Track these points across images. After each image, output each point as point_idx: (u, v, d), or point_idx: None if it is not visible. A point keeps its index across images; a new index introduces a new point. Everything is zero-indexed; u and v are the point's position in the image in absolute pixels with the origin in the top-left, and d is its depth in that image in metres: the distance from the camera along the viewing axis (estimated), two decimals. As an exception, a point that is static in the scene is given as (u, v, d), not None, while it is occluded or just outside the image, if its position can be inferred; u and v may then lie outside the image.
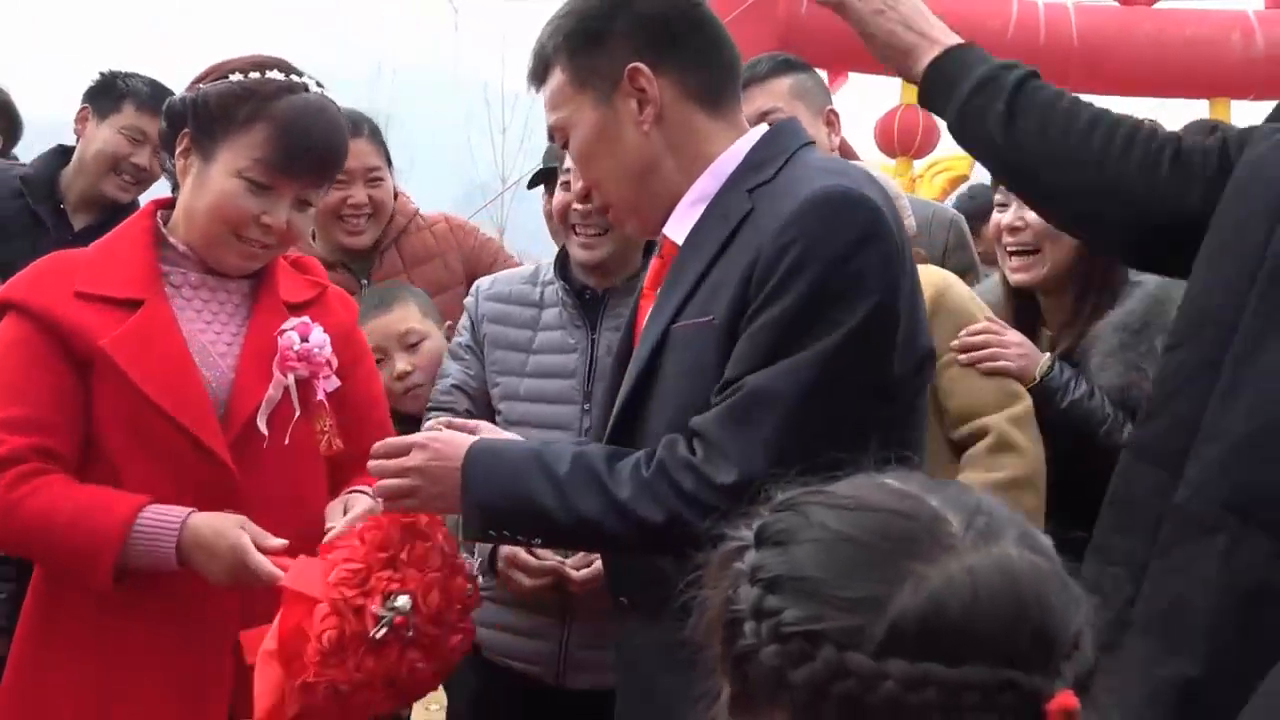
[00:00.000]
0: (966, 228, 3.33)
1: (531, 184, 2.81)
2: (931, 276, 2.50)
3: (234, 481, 1.97)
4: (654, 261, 1.88)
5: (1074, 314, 2.45)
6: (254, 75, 1.98)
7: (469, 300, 2.64)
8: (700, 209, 1.76)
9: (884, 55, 2.01)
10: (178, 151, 2.03)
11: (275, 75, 1.99)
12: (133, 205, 3.38)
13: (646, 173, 1.78)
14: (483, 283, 2.66)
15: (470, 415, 2.43)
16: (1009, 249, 2.47)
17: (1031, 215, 2.39)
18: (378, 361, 2.51)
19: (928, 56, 1.97)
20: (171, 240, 2.06)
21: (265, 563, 1.84)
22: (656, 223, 1.81)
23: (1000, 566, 0.79)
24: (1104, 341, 2.38)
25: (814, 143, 1.82)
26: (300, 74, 2.03)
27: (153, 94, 3.28)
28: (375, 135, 3.12)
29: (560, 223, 2.53)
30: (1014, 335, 2.44)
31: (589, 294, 2.52)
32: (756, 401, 1.60)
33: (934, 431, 2.34)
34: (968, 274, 3.00)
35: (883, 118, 9.25)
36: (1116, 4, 9.01)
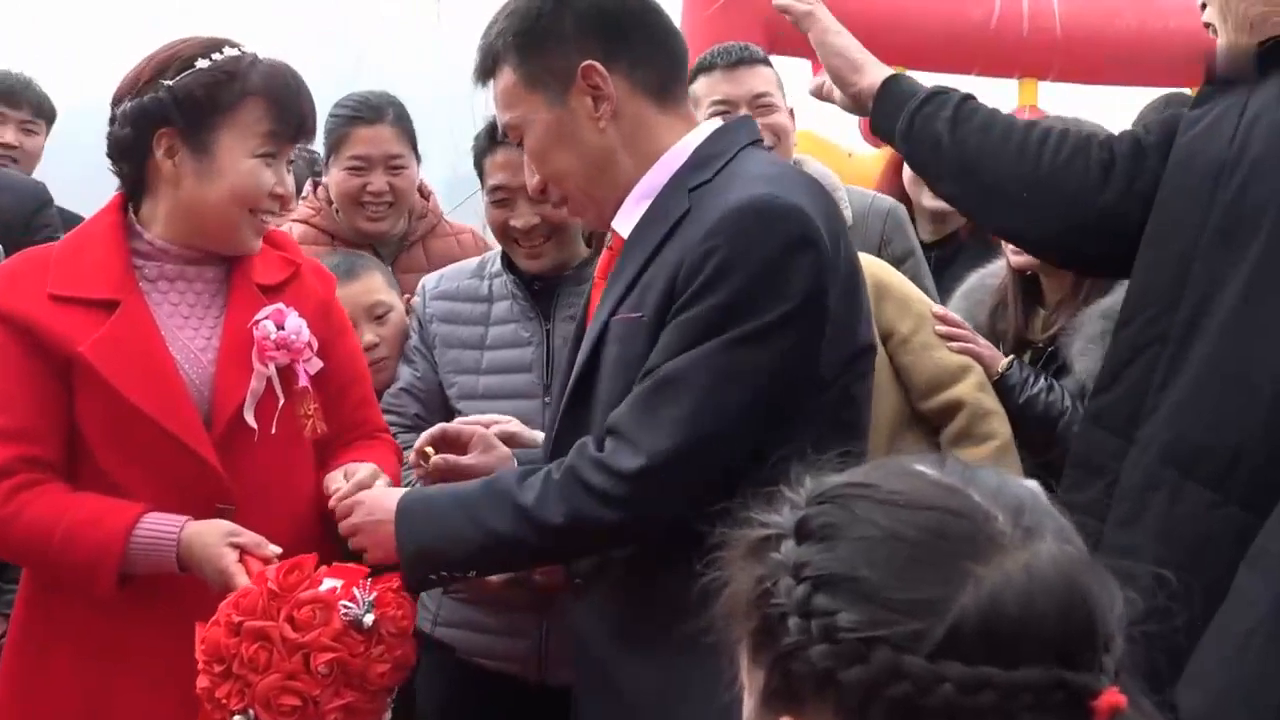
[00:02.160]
0: (905, 216, 3.36)
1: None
2: (868, 267, 2.53)
3: (222, 481, 1.96)
4: (605, 253, 1.90)
5: (1071, 295, 2.46)
6: (218, 57, 1.96)
7: (416, 300, 2.59)
8: (646, 204, 1.79)
9: (833, 65, 2.20)
10: (158, 153, 1.97)
11: (233, 51, 1.98)
12: (28, 184, 3.42)
13: (603, 168, 1.80)
14: (429, 281, 2.61)
15: (420, 419, 2.43)
16: None
17: None
18: None
19: (878, 73, 2.16)
20: (147, 235, 2.03)
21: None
22: (609, 212, 1.84)
23: (1052, 563, 0.78)
24: (1087, 328, 2.41)
25: (760, 141, 1.84)
26: (241, 44, 2.02)
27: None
28: (400, 121, 3.06)
29: (501, 237, 2.51)
30: (981, 338, 2.51)
31: (539, 285, 2.51)
32: (665, 386, 1.64)
33: (898, 404, 2.41)
34: (908, 259, 3.03)
35: (867, 108, 9.26)
36: (1099, -6, 9.02)
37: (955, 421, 2.40)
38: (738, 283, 1.63)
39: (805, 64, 9.60)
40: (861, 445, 1.79)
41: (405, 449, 2.25)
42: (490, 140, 2.47)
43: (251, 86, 1.97)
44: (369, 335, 2.66)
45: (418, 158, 3.13)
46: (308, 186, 3.40)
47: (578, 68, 1.77)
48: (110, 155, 2.03)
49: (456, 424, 2.10)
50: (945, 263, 3.17)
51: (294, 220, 3.09)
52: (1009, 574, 0.76)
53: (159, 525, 1.90)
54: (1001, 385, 2.43)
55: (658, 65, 1.82)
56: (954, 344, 2.44)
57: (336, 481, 2.01)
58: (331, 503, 1.95)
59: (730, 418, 1.63)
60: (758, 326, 1.63)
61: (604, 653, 1.82)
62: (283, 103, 1.99)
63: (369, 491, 1.91)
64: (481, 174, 2.51)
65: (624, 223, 1.81)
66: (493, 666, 2.44)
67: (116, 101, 2.00)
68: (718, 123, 1.84)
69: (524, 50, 1.80)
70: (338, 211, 3.09)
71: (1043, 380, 2.43)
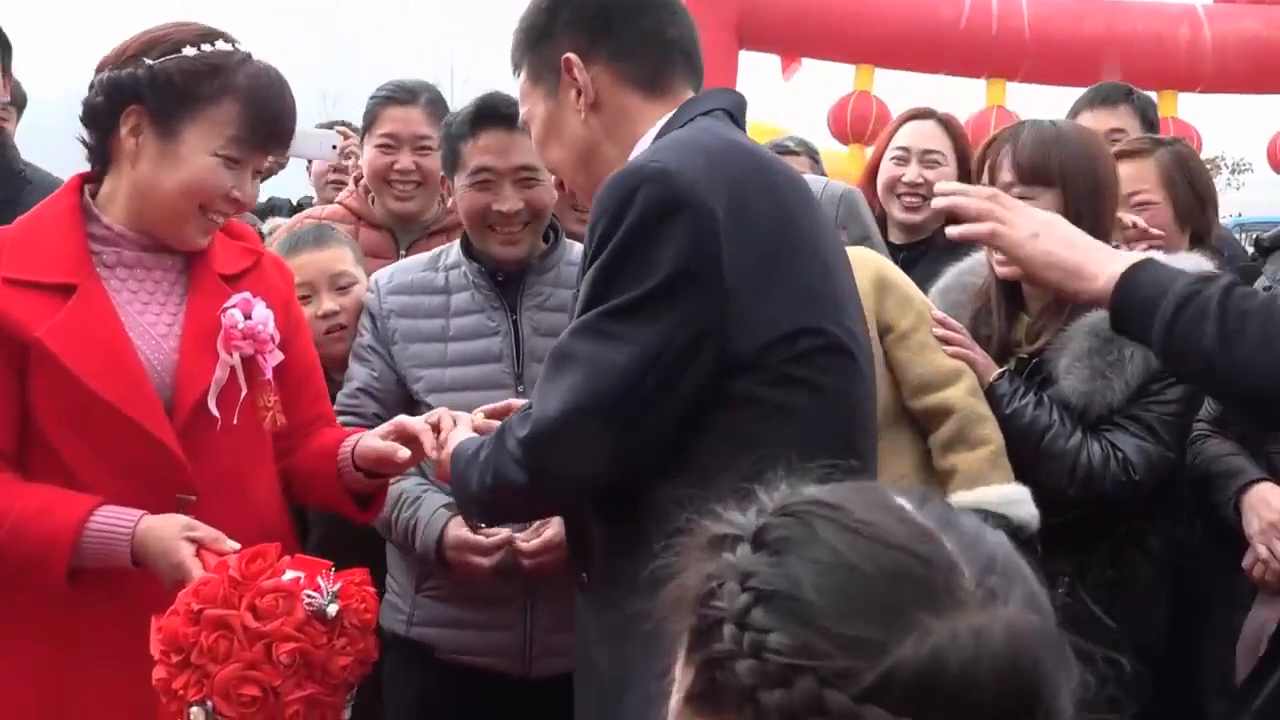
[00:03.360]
0: (860, 200, 3.37)
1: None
2: (862, 257, 2.55)
3: (184, 470, 1.93)
4: None
5: (1056, 307, 2.46)
6: (207, 48, 1.93)
7: (369, 297, 2.55)
8: None
9: (1046, 279, 1.89)
10: (124, 129, 1.94)
11: (225, 46, 1.95)
12: (3, 146, 3.27)
13: (587, 158, 1.88)
14: (380, 276, 2.58)
15: (378, 418, 2.40)
16: None
17: None
18: (303, 299, 2.52)
19: (1103, 274, 1.81)
20: (104, 220, 1.99)
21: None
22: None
23: (1006, 631, 0.74)
24: (1075, 344, 2.41)
25: (717, 110, 1.84)
26: (237, 40, 1.99)
27: None
28: (432, 105, 3.15)
29: (477, 223, 2.48)
30: (977, 346, 2.51)
31: (501, 275, 2.50)
32: (555, 359, 1.74)
33: (888, 399, 2.40)
34: (863, 244, 3.04)
35: (836, 104, 9.29)
36: (1068, -5, 9.08)
37: (947, 425, 2.40)
38: (610, 253, 1.68)
39: (774, 60, 9.65)
40: (827, 440, 1.74)
41: None
42: (472, 124, 2.45)
43: (231, 86, 1.93)
44: (329, 303, 2.65)
45: None
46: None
47: (557, 62, 1.85)
48: (82, 121, 2.01)
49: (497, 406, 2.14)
50: (912, 262, 3.18)
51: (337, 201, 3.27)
52: (958, 633, 0.73)
53: (113, 519, 1.87)
54: (990, 394, 2.44)
55: (645, 56, 1.86)
56: (950, 348, 2.45)
57: (381, 441, 2.09)
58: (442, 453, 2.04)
59: (608, 387, 1.66)
60: (631, 298, 1.66)
61: (588, 638, 1.87)
62: (257, 110, 1.95)
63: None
64: (457, 159, 2.47)
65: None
66: (474, 663, 2.42)
67: (99, 69, 1.97)
68: (687, 99, 1.87)
69: (527, 47, 1.91)
70: (372, 199, 3.19)
71: (1031, 394, 2.43)
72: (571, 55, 1.84)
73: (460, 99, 2.95)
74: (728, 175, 1.69)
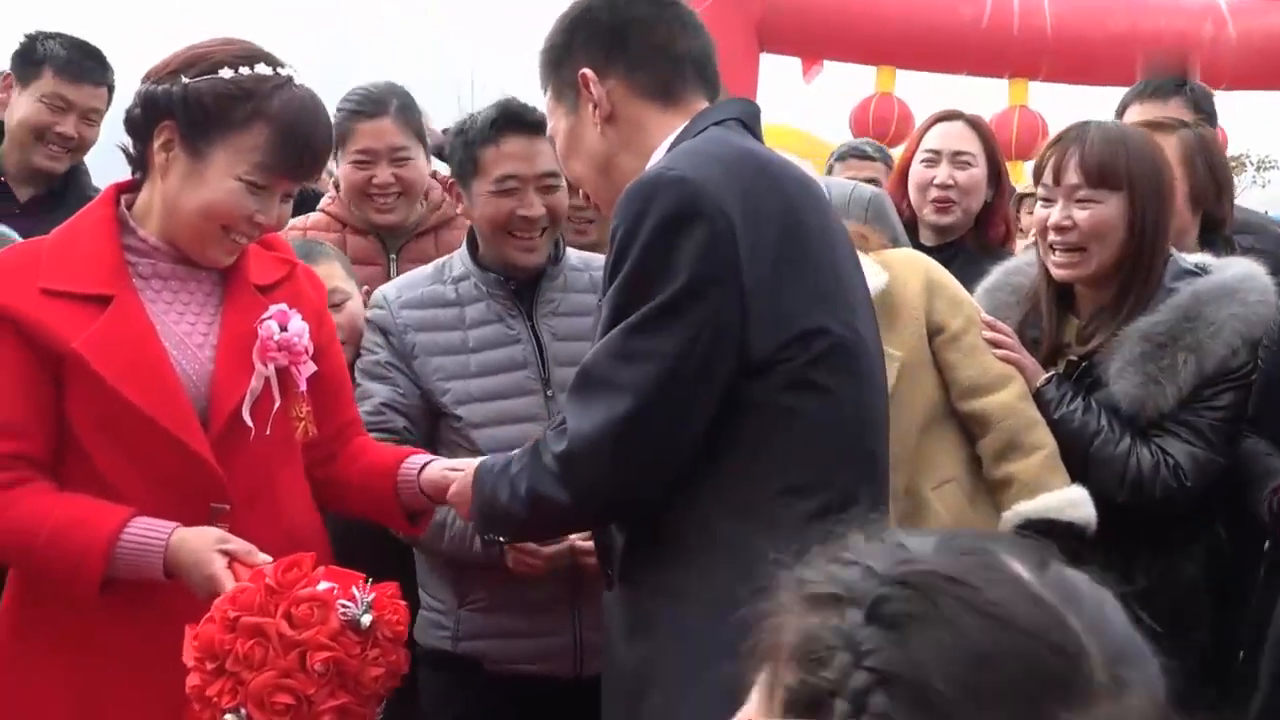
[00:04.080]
0: (887, 204, 3.37)
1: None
2: (911, 259, 2.55)
3: (219, 480, 1.94)
4: None
5: (1112, 308, 2.44)
6: (245, 71, 1.92)
7: (379, 314, 2.53)
8: None
9: None
10: (156, 143, 1.96)
11: (264, 70, 1.94)
12: (77, 173, 3.29)
13: (605, 169, 1.93)
14: (388, 292, 2.56)
15: (408, 432, 2.42)
16: (1054, 245, 2.46)
17: (1079, 213, 2.41)
18: None
19: None
20: (140, 232, 2.01)
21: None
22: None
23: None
24: (1126, 349, 2.39)
25: (730, 120, 1.86)
26: (281, 64, 1.98)
27: (70, 58, 3.17)
28: (403, 113, 3.05)
29: (498, 229, 2.47)
30: (1025, 350, 2.50)
31: (513, 283, 2.51)
32: (584, 374, 1.76)
33: (935, 398, 2.43)
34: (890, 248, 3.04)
35: (857, 105, 9.27)
36: (1090, -6, 9.04)
37: (998, 431, 2.40)
38: (630, 262, 1.71)
39: (795, 62, 9.63)
40: (838, 443, 1.77)
41: None
42: (494, 130, 2.44)
43: (262, 111, 1.92)
44: None
45: (425, 147, 3.14)
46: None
47: (575, 78, 1.91)
48: (125, 129, 2.03)
49: None
50: (943, 265, 3.18)
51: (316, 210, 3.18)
52: None
53: (147, 530, 1.87)
54: (1038, 399, 2.43)
55: (658, 68, 1.90)
56: (999, 351, 2.44)
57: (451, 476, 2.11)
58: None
59: (638, 402, 1.69)
60: (651, 309, 1.69)
61: (613, 637, 1.91)
62: (286, 138, 1.94)
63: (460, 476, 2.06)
64: (476, 165, 2.46)
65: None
66: (526, 670, 2.42)
67: (144, 79, 1.98)
68: (702, 109, 1.90)
69: (549, 66, 1.97)
70: (353, 206, 3.12)
71: (1080, 399, 2.41)
72: (587, 70, 1.89)
73: (481, 104, 2.94)
74: (740, 181, 1.72)
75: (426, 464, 2.16)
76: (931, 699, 0.69)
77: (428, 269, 2.61)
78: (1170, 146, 2.79)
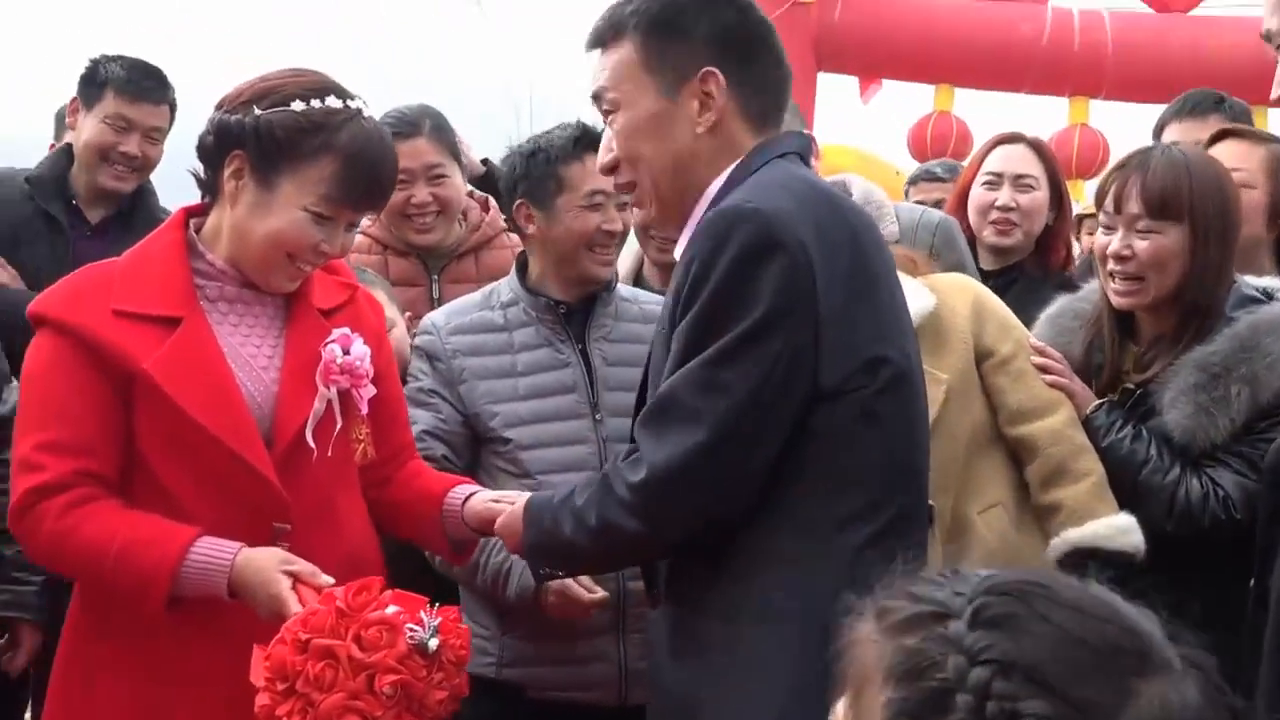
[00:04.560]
0: (955, 229, 3.35)
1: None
2: (959, 282, 2.54)
3: (282, 500, 1.97)
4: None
5: (1172, 335, 2.42)
6: (315, 104, 1.97)
7: (427, 339, 2.56)
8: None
9: None
10: (227, 171, 2.00)
11: (334, 103, 1.98)
12: (144, 194, 3.36)
13: (684, 171, 1.84)
14: (436, 319, 2.60)
15: (448, 460, 2.44)
16: (1114, 274, 2.45)
17: (1139, 243, 2.38)
18: None
19: None
20: (208, 256, 2.05)
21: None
22: (673, 217, 1.89)
23: (1196, 687, 0.85)
24: (1181, 378, 2.36)
25: (791, 155, 1.86)
26: (352, 95, 2.02)
27: (129, 78, 3.24)
28: (437, 133, 3.11)
29: (581, 244, 2.52)
30: (1075, 376, 2.48)
31: (562, 308, 2.54)
32: (661, 402, 1.76)
33: (983, 421, 2.42)
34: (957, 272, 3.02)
35: (916, 124, 9.24)
36: (1151, 11, 8.95)
37: (1045, 457, 2.38)
38: (708, 294, 1.71)
39: (853, 81, 9.61)
40: (893, 466, 1.79)
41: None
42: (576, 148, 2.50)
43: (331, 144, 1.96)
44: None
45: (460, 166, 3.18)
46: None
47: (699, 70, 1.81)
48: (197, 154, 2.08)
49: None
50: (1002, 290, 3.16)
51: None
52: (1169, 693, 0.83)
53: (213, 550, 1.90)
54: (1087, 425, 2.41)
55: (766, 95, 1.87)
56: (1048, 377, 2.43)
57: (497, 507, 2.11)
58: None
59: (718, 432, 1.70)
60: (730, 340, 1.70)
61: (659, 659, 1.90)
62: (353, 171, 1.97)
63: (508, 509, 2.04)
64: (560, 182, 2.51)
65: (679, 247, 1.87)
66: (569, 698, 2.43)
67: (217, 106, 2.03)
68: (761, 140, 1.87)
69: (654, 34, 1.83)
70: (392, 227, 3.16)
71: (1129, 427, 2.39)
72: (716, 72, 1.81)
73: (539, 116, 2.99)
74: (813, 212, 1.73)
75: (471, 494, 2.17)
76: (1045, 678, 0.81)
77: (475, 296, 2.65)
78: (1258, 156, 2.76)
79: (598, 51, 1.89)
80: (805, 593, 1.69)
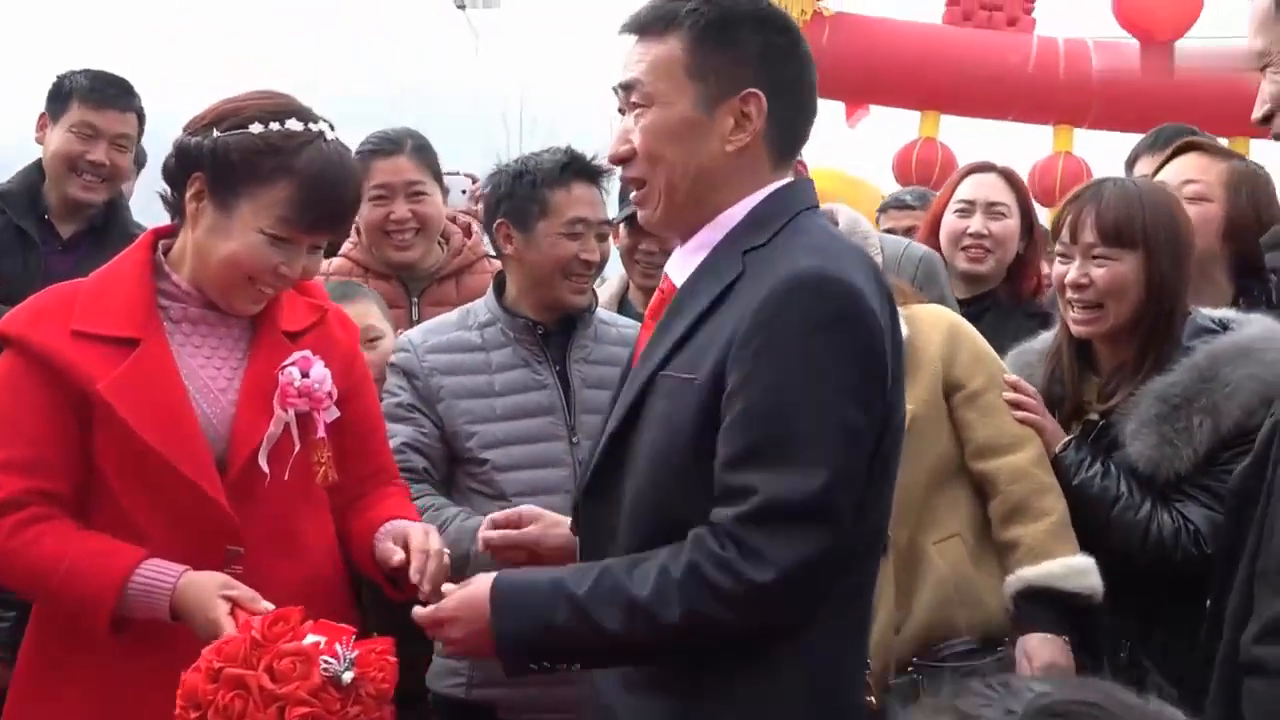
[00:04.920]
0: (938, 264, 3.37)
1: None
2: (936, 313, 2.55)
3: (232, 523, 1.97)
4: (656, 295, 1.89)
5: (1132, 365, 2.43)
6: (274, 126, 1.96)
7: (404, 356, 2.56)
8: (698, 255, 1.78)
9: None
10: (188, 193, 2.00)
11: (294, 125, 1.97)
12: (117, 208, 3.34)
13: (702, 184, 1.77)
14: (413, 336, 2.60)
15: (428, 474, 2.44)
16: (1072, 302, 2.47)
17: (1096, 271, 2.40)
18: None
19: None
20: (174, 277, 2.05)
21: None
22: (676, 225, 1.82)
23: None
24: (1143, 409, 2.36)
25: (817, 207, 1.83)
26: (315, 119, 2.01)
27: (93, 86, 3.23)
28: (419, 151, 3.15)
29: (557, 271, 2.52)
30: (1047, 413, 2.48)
31: (542, 329, 2.54)
32: (771, 508, 1.62)
33: (948, 454, 2.41)
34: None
35: (901, 150, 9.28)
36: (1135, 41, 9.02)
37: (1007, 494, 2.38)
38: (786, 358, 1.63)
39: (839, 106, 9.66)
40: (883, 505, 1.80)
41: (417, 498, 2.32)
42: (563, 175, 2.50)
43: (287, 167, 1.96)
44: None
45: (443, 189, 3.21)
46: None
47: (743, 89, 1.74)
48: (162, 176, 2.07)
49: (503, 513, 2.12)
50: (975, 318, 3.18)
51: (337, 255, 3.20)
52: None
53: (157, 572, 1.91)
54: (1057, 463, 2.41)
55: (794, 131, 1.81)
56: (1018, 413, 2.43)
57: (397, 556, 2.01)
58: (415, 614, 1.84)
59: (840, 535, 1.64)
60: (832, 430, 1.64)
61: (613, 699, 1.81)
62: (310, 194, 1.96)
63: (457, 592, 1.81)
64: (544, 206, 2.51)
65: (677, 270, 1.81)
66: None
67: (184, 129, 2.03)
68: (777, 185, 1.81)
69: (706, 39, 1.75)
70: (372, 246, 3.17)
71: (1099, 464, 2.39)
72: (760, 94, 1.74)
73: (529, 137, 3.01)
74: (873, 279, 1.72)
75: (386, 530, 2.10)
76: None
77: (452, 315, 2.65)
78: (1216, 170, 2.78)
79: (632, 38, 1.79)
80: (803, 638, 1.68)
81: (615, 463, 1.78)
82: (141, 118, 3.33)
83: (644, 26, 1.78)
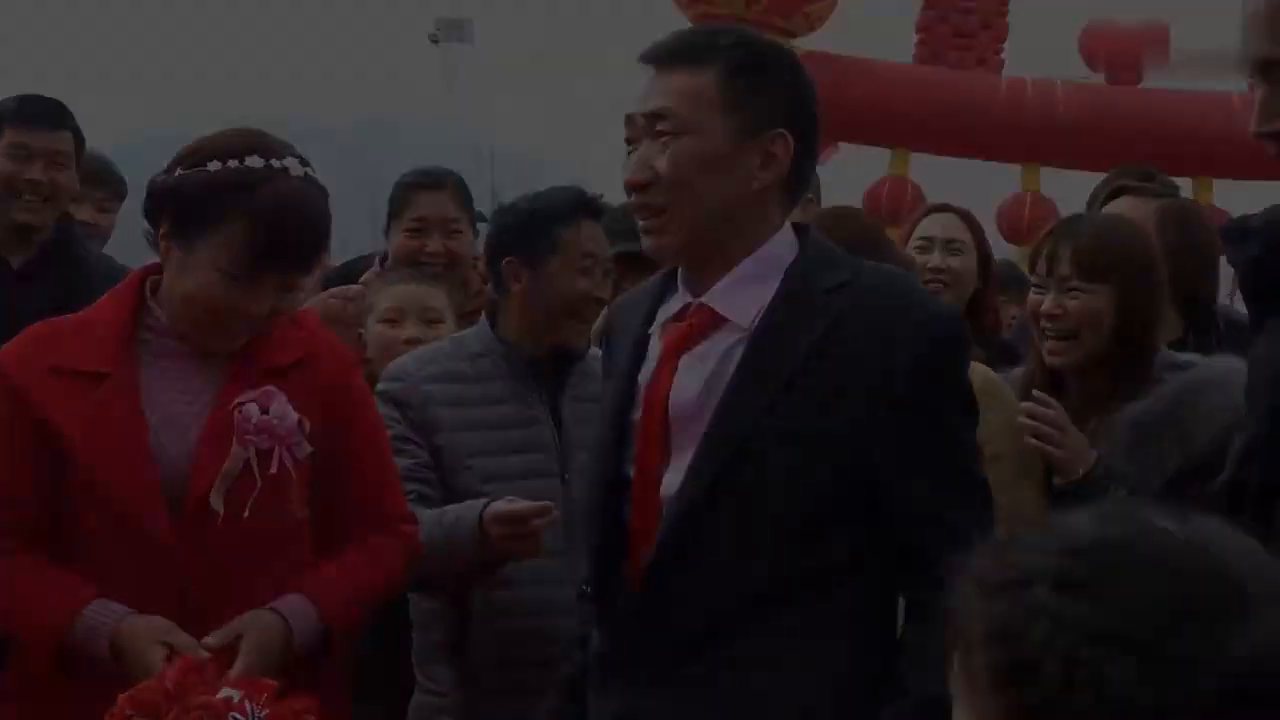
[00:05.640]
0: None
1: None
2: (975, 370, 2.51)
3: (175, 562, 1.95)
4: (677, 325, 1.82)
5: (1105, 397, 2.44)
6: (233, 164, 1.95)
7: (396, 385, 2.50)
8: (752, 289, 1.77)
9: None
10: (160, 231, 2.01)
11: (254, 162, 1.95)
12: (67, 233, 3.30)
13: (728, 217, 1.77)
14: (409, 363, 2.54)
15: (428, 502, 2.39)
16: (1046, 332, 2.49)
17: (1070, 302, 2.43)
18: (390, 322, 2.74)
19: None
20: (157, 312, 2.05)
21: None
22: (689, 254, 1.81)
23: None
24: (1117, 437, 2.38)
25: None
26: (280, 154, 1.99)
27: (21, 108, 3.23)
28: (458, 190, 3.25)
29: (569, 308, 2.50)
30: (1074, 431, 2.44)
31: (534, 364, 2.52)
32: (955, 492, 1.77)
33: None
34: None
35: (871, 186, 9.35)
36: (1103, 82, 9.13)
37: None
38: (953, 407, 1.80)
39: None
40: None
41: None
42: (575, 211, 2.51)
43: (246, 204, 1.94)
44: (414, 330, 2.78)
45: (475, 230, 3.24)
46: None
47: (773, 129, 1.75)
48: (142, 214, 2.09)
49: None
50: None
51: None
52: (1258, 638, 0.82)
53: (100, 614, 1.91)
54: (1082, 488, 2.36)
55: (805, 173, 1.84)
56: (1033, 440, 2.39)
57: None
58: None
59: None
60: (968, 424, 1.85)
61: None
62: (266, 232, 1.94)
63: None
64: (554, 242, 2.49)
65: (728, 303, 1.78)
66: None
67: (164, 169, 2.04)
68: (794, 221, 1.86)
69: (741, 77, 1.76)
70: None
71: (1120, 491, 2.38)
72: (788, 136, 1.75)
73: (498, 173, 3.03)
74: None
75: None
76: (1131, 638, 0.82)
77: (444, 344, 2.62)
78: (1146, 211, 2.86)
79: (654, 69, 1.79)
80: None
81: (694, 528, 1.73)
82: (79, 137, 3.31)
83: (671, 57, 1.78)
